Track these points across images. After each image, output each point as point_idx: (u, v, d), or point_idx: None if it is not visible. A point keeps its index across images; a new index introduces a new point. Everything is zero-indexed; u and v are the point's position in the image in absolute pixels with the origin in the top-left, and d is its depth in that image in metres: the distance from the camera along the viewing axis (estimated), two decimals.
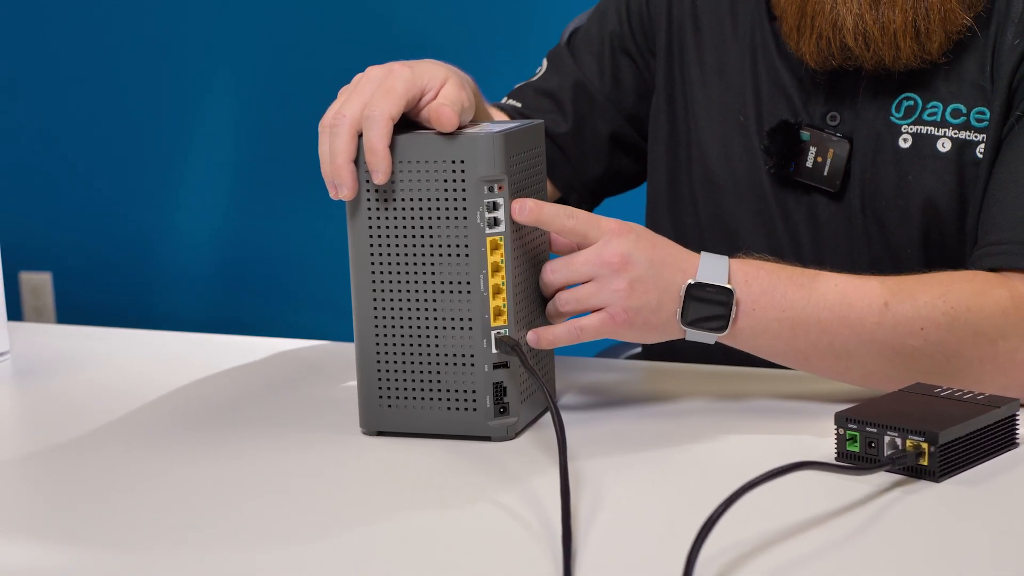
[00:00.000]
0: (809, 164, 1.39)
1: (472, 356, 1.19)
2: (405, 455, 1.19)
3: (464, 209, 1.18)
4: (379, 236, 1.20)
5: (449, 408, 1.21)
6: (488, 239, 1.18)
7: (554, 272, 1.22)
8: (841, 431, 1.11)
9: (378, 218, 1.20)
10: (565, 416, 1.25)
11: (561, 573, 0.93)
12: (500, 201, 1.18)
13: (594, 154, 1.54)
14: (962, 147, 1.34)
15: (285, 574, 0.97)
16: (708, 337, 1.22)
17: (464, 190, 1.18)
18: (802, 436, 1.20)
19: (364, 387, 1.23)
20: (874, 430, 1.10)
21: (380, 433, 1.23)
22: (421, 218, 1.19)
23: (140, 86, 3.50)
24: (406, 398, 1.22)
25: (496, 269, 1.19)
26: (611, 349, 1.75)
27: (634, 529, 1.03)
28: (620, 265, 1.19)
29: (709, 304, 1.21)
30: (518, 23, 3.09)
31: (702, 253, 1.23)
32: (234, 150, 3.45)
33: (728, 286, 1.21)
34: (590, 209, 1.56)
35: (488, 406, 1.20)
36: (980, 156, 1.34)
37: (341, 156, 1.17)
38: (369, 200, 1.20)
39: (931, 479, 1.08)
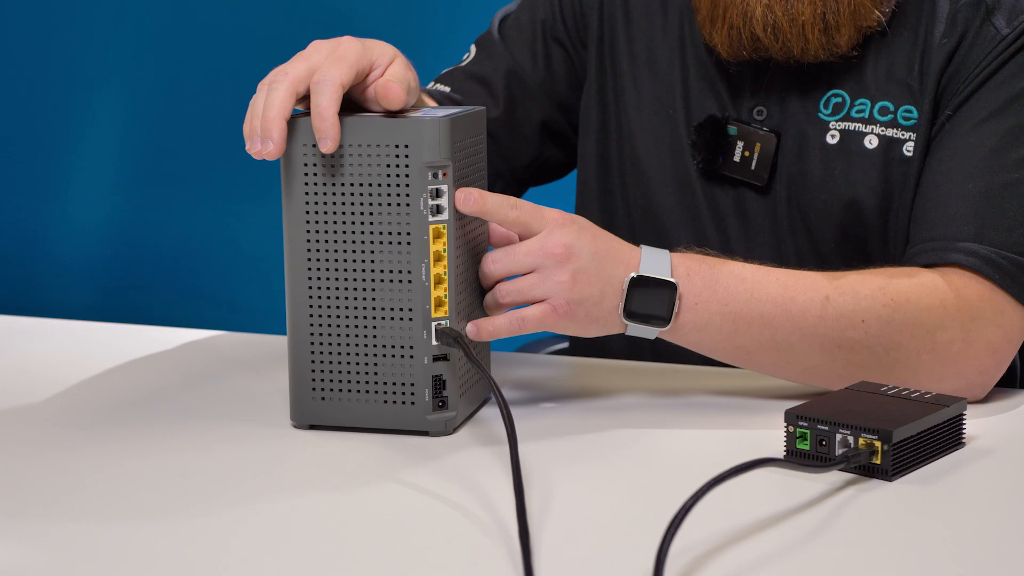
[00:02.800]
0: (737, 158, 1.39)
1: (411, 348, 1.16)
2: (339, 449, 1.15)
3: (407, 195, 1.14)
4: (316, 222, 1.16)
5: (386, 401, 1.17)
6: (431, 227, 1.14)
7: (495, 263, 1.19)
8: (791, 429, 1.09)
9: (315, 203, 1.15)
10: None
11: (521, 572, 0.90)
12: (444, 188, 1.14)
13: (524, 142, 1.51)
14: (889, 144, 1.34)
15: (212, 572, 0.93)
16: (649, 332, 1.20)
17: (407, 176, 1.14)
18: (746, 432, 1.18)
19: (296, 378, 1.18)
20: (825, 428, 1.08)
21: (312, 427, 1.19)
22: (361, 203, 1.15)
23: (26, 75, 3.40)
24: (341, 390, 1.17)
25: (438, 258, 1.15)
26: (532, 344, 1.72)
27: (589, 525, 1.00)
28: (563, 256, 1.17)
29: (652, 298, 1.19)
30: (436, 9, 3.05)
31: (643, 247, 1.21)
32: (122, 140, 3.36)
33: (671, 279, 1.19)
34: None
35: (427, 399, 1.16)
36: (907, 154, 1.34)
37: (275, 110, 1.12)
38: (307, 184, 1.15)
39: (883, 478, 1.06)
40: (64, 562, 0.95)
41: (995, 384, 1.25)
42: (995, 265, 1.24)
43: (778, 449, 1.11)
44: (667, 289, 1.19)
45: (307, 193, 1.15)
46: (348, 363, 1.17)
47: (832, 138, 1.36)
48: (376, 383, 1.17)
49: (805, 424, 1.09)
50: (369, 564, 0.94)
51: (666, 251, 1.21)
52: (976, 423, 1.17)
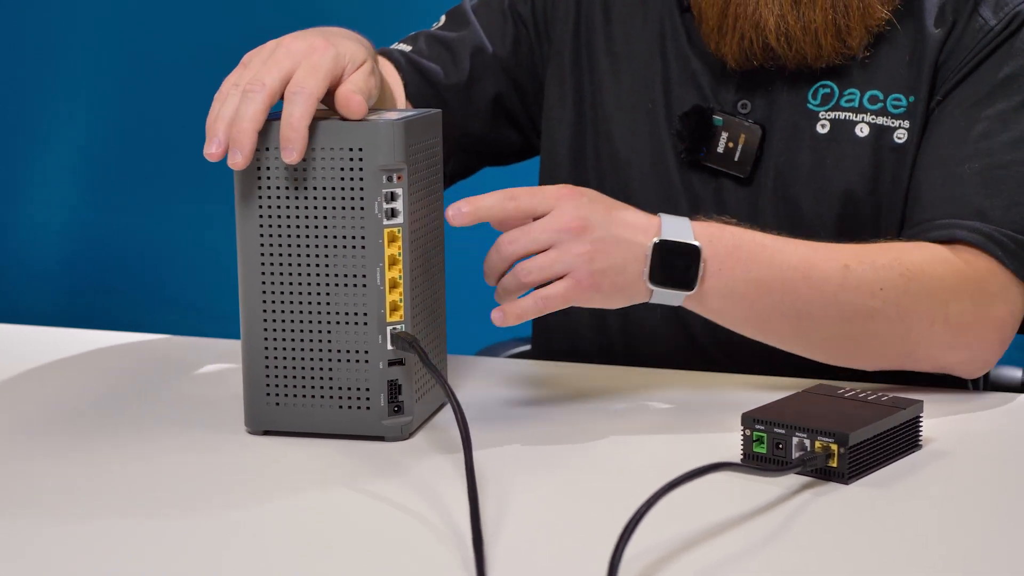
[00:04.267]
0: (720, 149, 1.38)
1: (366, 352, 1.15)
2: (294, 455, 1.14)
3: (362, 199, 1.13)
4: (270, 225, 1.15)
5: (341, 406, 1.16)
6: (385, 231, 1.14)
7: (512, 243, 1.17)
8: (748, 432, 1.09)
9: (269, 206, 1.14)
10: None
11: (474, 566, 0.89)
12: (399, 191, 1.13)
13: (479, 113, 1.50)
14: (880, 132, 1.35)
15: None
16: (676, 297, 1.20)
17: (362, 179, 1.13)
18: (703, 435, 1.17)
19: (250, 383, 1.17)
20: (782, 431, 1.08)
21: (267, 432, 1.18)
22: (315, 207, 1.14)
23: None
24: (295, 395, 1.16)
25: (393, 262, 1.14)
26: (492, 347, 1.71)
27: (543, 531, 0.99)
28: (580, 229, 1.16)
29: (677, 263, 1.19)
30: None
31: (661, 214, 1.21)
32: (84, 142, 3.34)
33: (695, 243, 1.19)
34: (463, 176, 1.55)
35: (382, 404, 1.15)
36: (899, 141, 1.35)
37: (248, 121, 1.10)
38: (260, 187, 1.14)
39: (840, 480, 1.06)
40: (10, 571, 0.93)
41: (997, 361, 1.28)
42: (998, 243, 1.26)
43: (735, 453, 1.11)
44: (691, 254, 1.19)
45: (261, 196, 1.14)
46: (303, 368, 1.16)
47: (823, 128, 1.36)
48: (331, 388, 1.16)
49: (762, 428, 1.08)
50: (322, 570, 0.93)
51: (686, 218, 1.22)
52: (932, 424, 1.17)
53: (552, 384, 1.34)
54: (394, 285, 1.14)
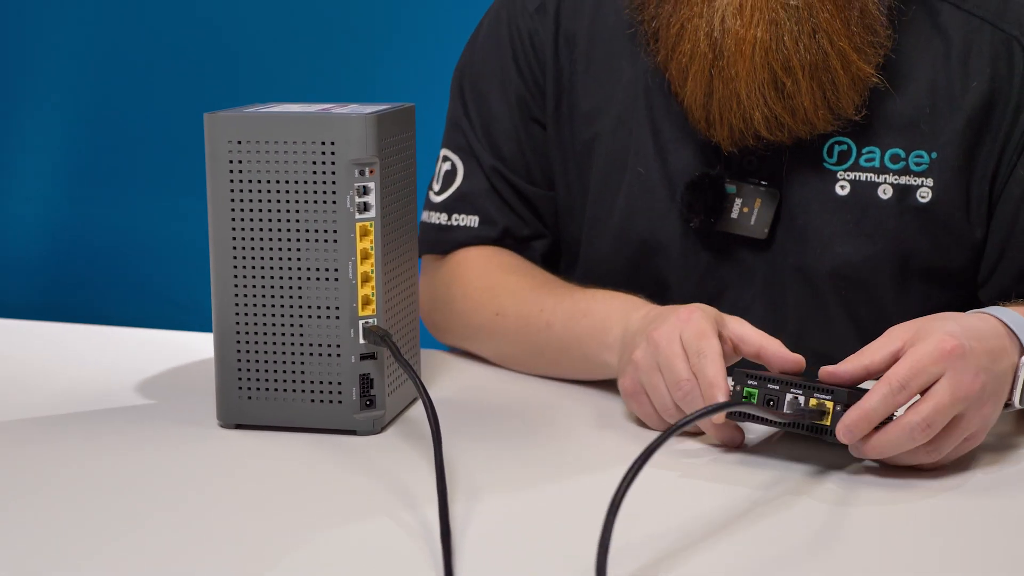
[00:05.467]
0: (735, 215, 1.32)
1: (338, 346, 1.15)
2: (266, 449, 1.14)
3: (333, 193, 1.13)
4: (242, 219, 1.14)
5: (313, 400, 1.16)
6: (357, 224, 1.13)
7: (924, 422, 1.05)
8: (739, 387, 1.08)
9: (241, 200, 1.14)
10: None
11: (441, 571, 0.89)
12: (371, 185, 1.13)
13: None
14: (903, 193, 1.30)
15: (137, 574, 0.91)
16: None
17: (334, 173, 1.13)
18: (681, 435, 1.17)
19: (223, 377, 1.17)
20: (776, 387, 1.07)
21: (239, 426, 1.18)
22: (287, 201, 1.14)
23: None
24: (267, 389, 1.16)
25: (365, 256, 1.14)
26: None
27: (513, 525, 0.99)
28: (979, 391, 1.06)
29: None
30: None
31: (1007, 321, 1.13)
32: (58, 137, 3.33)
33: None
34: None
35: (354, 398, 1.15)
36: (922, 200, 1.30)
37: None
38: (232, 181, 1.14)
39: (830, 439, 1.05)
40: None
41: None
42: None
43: (708, 448, 1.11)
44: None
45: (232, 190, 1.14)
46: (275, 362, 1.16)
47: (842, 189, 1.31)
48: (303, 382, 1.15)
49: (754, 383, 1.08)
50: (291, 563, 0.93)
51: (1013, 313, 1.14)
52: None
53: (525, 379, 1.33)
54: (366, 279, 1.14)
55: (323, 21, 3.03)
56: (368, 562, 0.93)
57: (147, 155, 3.15)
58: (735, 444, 1.13)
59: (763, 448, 1.13)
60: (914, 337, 1.07)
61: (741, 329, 1.13)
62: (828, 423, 1.05)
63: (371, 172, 1.13)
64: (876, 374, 1.07)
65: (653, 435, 1.15)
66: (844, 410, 1.05)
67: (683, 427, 0.97)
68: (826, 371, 1.07)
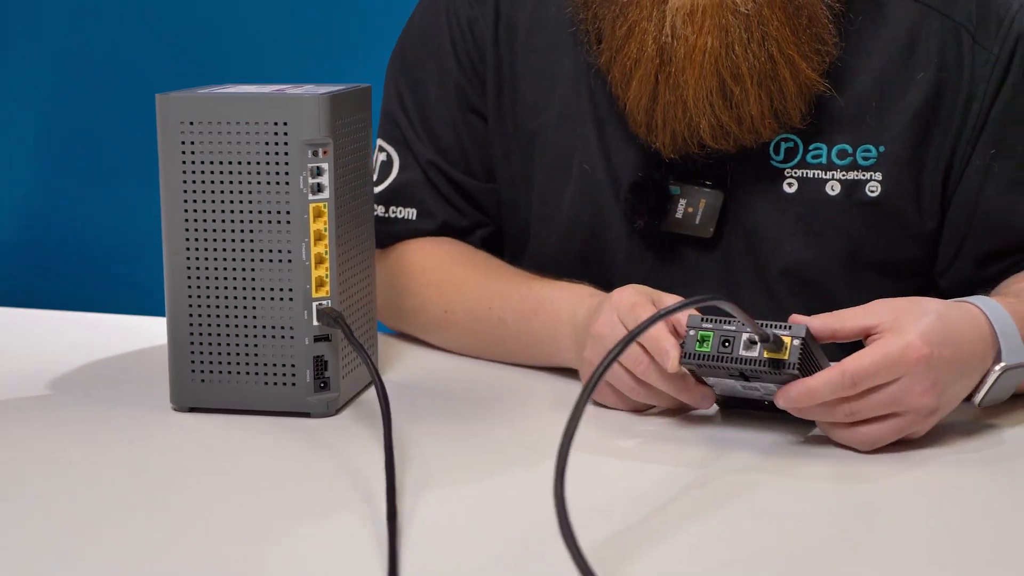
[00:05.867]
0: (679, 215, 1.30)
1: (292, 328, 1.14)
2: (219, 432, 1.13)
3: (286, 174, 1.12)
4: (194, 201, 1.14)
5: (267, 383, 1.15)
6: (311, 205, 1.13)
7: (852, 415, 1.05)
8: (692, 332, 1.07)
9: (193, 182, 1.13)
10: (391, 389, 1.20)
11: (386, 551, 0.88)
12: (324, 166, 1.13)
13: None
14: (851, 188, 1.29)
15: (91, 558, 0.91)
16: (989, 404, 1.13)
17: (287, 153, 1.12)
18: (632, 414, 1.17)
19: (176, 360, 1.16)
20: (732, 328, 1.06)
21: (192, 409, 1.17)
22: (240, 182, 1.13)
23: None
24: (221, 372, 1.15)
25: (319, 237, 1.13)
26: None
27: (462, 509, 0.98)
28: (933, 400, 1.06)
29: (1010, 384, 1.12)
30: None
31: (975, 302, 1.12)
32: (27, 125, 3.31)
33: None
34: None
35: (308, 381, 1.14)
36: (871, 195, 1.29)
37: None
38: (184, 162, 1.13)
39: (787, 371, 1.04)
40: None
41: None
42: None
43: (667, 421, 1.11)
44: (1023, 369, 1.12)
45: (184, 172, 1.13)
46: (228, 344, 1.15)
47: (789, 187, 1.30)
48: (257, 364, 1.15)
49: (709, 325, 1.07)
50: (238, 545, 0.92)
51: (1006, 314, 1.12)
52: None
53: (485, 364, 1.33)
54: (320, 260, 1.13)
55: (283, 3, 3.02)
56: (314, 545, 0.92)
57: (112, 142, 3.13)
58: (706, 405, 1.12)
59: (718, 423, 1.13)
60: (892, 324, 1.06)
61: (671, 301, 1.12)
62: (787, 356, 1.04)
63: (324, 153, 1.13)
64: (841, 340, 1.06)
65: (614, 417, 1.15)
66: (802, 345, 1.04)
67: (626, 345, 0.92)
68: (795, 318, 1.07)
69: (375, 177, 1.41)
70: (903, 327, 1.05)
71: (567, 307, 1.23)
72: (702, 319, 1.07)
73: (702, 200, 1.30)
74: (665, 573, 0.87)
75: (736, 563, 0.89)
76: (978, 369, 1.10)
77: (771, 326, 1.05)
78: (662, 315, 0.96)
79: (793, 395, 1.04)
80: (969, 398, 1.11)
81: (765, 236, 1.31)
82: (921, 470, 1.05)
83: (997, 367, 1.10)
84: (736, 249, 1.32)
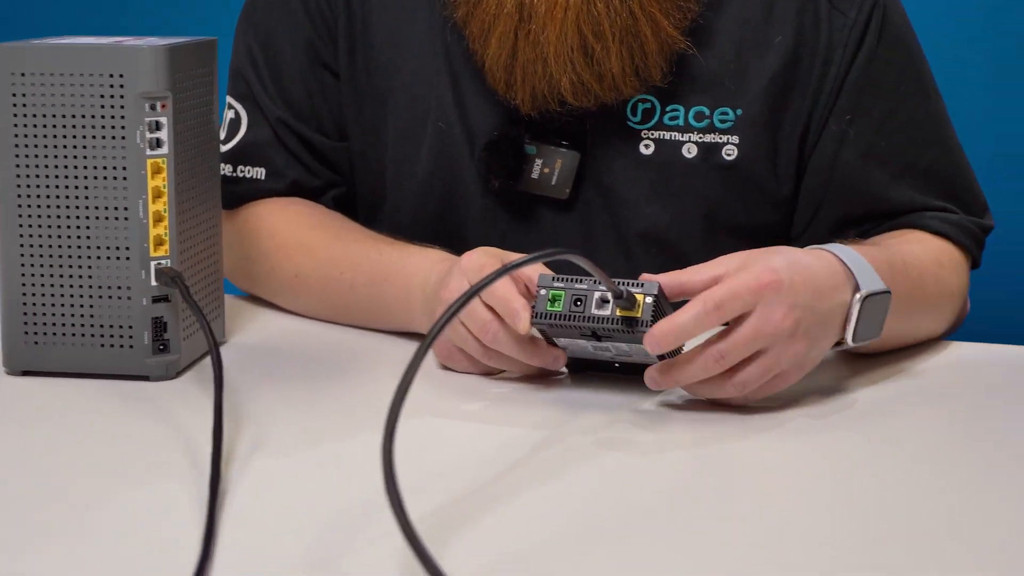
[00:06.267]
0: (535, 175, 1.29)
1: (129, 288, 1.10)
2: (52, 396, 1.09)
3: (122, 128, 1.08)
4: (26, 155, 1.09)
5: (103, 345, 1.11)
6: (149, 161, 1.09)
7: (722, 359, 1.03)
8: (544, 291, 1.04)
9: (25, 135, 1.09)
10: (234, 355, 1.17)
11: (205, 518, 0.85)
12: (163, 120, 1.09)
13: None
14: (708, 151, 1.28)
15: None
16: (865, 344, 1.11)
17: (122, 107, 1.08)
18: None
19: (7, 322, 1.12)
20: (584, 287, 1.03)
21: (26, 373, 1.13)
22: (74, 136, 1.09)
23: None
24: (55, 334, 1.11)
25: (158, 194, 1.10)
26: None
27: (293, 473, 0.95)
28: (792, 326, 1.03)
29: (877, 313, 1.11)
30: None
31: (840, 255, 1.10)
32: None
33: (887, 289, 1.11)
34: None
35: (146, 343, 1.11)
36: (728, 158, 1.27)
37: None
38: (15, 115, 1.09)
39: (642, 329, 1.02)
40: None
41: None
42: (963, 229, 1.28)
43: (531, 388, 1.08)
44: (886, 299, 1.11)
45: (16, 125, 1.09)
46: (62, 305, 1.11)
47: (646, 148, 1.28)
48: (93, 326, 1.11)
49: (560, 284, 1.04)
50: (60, 509, 0.88)
51: (856, 252, 1.12)
52: None
53: (333, 327, 1.29)
54: (159, 219, 1.10)
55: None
56: (135, 511, 0.89)
57: None
58: (558, 366, 1.10)
59: (568, 385, 1.11)
60: (739, 266, 1.05)
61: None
62: (640, 314, 1.02)
63: (163, 107, 1.09)
64: (691, 293, 1.04)
65: (461, 380, 1.13)
66: (655, 302, 1.02)
67: (468, 300, 0.88)
68: (645, 276, 1.05)
69: (223, 136, 1.37)
70: (752, 263, 1.05)
71: (419, 273, 1.20)
72: (553, 278, 1.05)
73: (558, 160, 1.28)
74: (501, 539, 0.85)
75: (577, 527, 0.87)
76: (838, 301, 1.08)
77: (623, 283, 1.03)
78: (508, 269, 0.93)
79: (658, 334, 1.02)
80: (840, 345, 1.09)
81: (622, 198, 1.29)
82: (774, 432, 1.03)
83: (857, 295, 1.08)
84: (594, 211, 1.30)
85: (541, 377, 1.12)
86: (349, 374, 1.16)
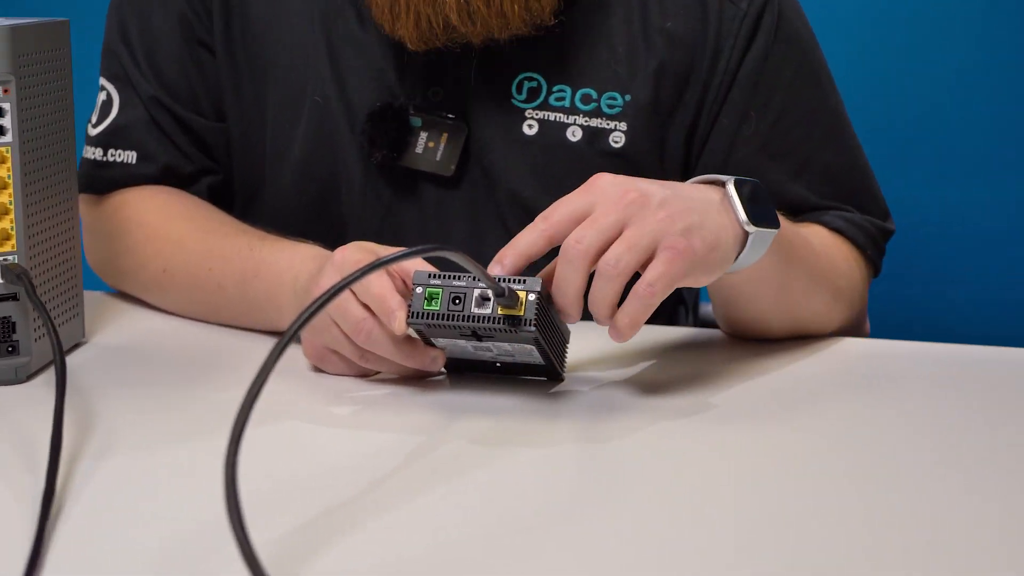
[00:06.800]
0: (419, 149, 1.23)
1: None
2: None
3: None
4: None
5: None
6: None
7: (579, 242, 0.97)
8: (420, 289, 0.97)
9: None
10: (93, 356, 1.10)
11: (35, 529, 0.78)
12: (5, 106, 1.01)
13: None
14: (593, 136, 1.23)
15: None
16: (767, 238, 1.03)
17: None
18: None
19: None
20: (462, 284, 0.97)
21: None
22: None
23: None
24: None
25: (2, 186, 1.02)
26: None
27: (141, 482, 0.88)
28: (640, 197, 0.98)
29: (760, 197, 1.03)
30: None
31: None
32: None
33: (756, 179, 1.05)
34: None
35: None
36: (615, 145, 1.23)
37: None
38: None
39: (525, 329, 0.96)
40: None
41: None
42: (859, 227, 1.25)
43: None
44: (764, 190, 1.04)
45: None
46: None
47: (530, 128, 1.23)
48: None
49: (437, 282, 0.97)
50: None
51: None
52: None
53: (204, 326, 1.22)
54: (3, 212, 1.02)
55: None
56: None
57: None
58: (436, 367, 1.03)
59: (447, 388, 1.05)
60: None
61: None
62: (522, 312, 0.96)
63: (5, 91, 1.01)
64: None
65: (336, 385, 1.06)
66: (538, 300, 0.96)
67: (336, 294, 0.81)
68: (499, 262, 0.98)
69: (94, 119, 1.30)
70: None
71: (288, 269, 1.13)
72: (429, 275, 0.98)
73: (444, 134, 1.22)
74: (370, 557, 0.78)
75: (456, 541, 0.80)
76: (703, 194, 1.01)
77: (505, 280, 0.97)
78: (381, 263, 0.86)
79: (508, 262, 0.97)
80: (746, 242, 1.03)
81: (503, 178, 1.24)
82: (658, 426, 0.98)
83: (729, 186, 1.02)
84: (478, 190, 1.25)
85: (418, 379, 1.06)
86: (214, 377, 1.09)
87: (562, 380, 1.05)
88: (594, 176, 1.00)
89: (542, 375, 1.05)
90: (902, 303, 1.91)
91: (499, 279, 0.97)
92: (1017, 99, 1.89)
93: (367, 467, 0.91)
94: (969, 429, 1.01)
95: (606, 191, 0.99)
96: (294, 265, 1.13)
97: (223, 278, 1.18)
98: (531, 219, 1.23)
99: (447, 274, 0.98)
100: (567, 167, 1.23)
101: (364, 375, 1.06)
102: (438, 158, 1.23)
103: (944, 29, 1.88)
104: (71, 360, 1.10)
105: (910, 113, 1.92)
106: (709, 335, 1.22)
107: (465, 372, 1.06)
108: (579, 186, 1.21)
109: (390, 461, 0.92)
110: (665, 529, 0.82)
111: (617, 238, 0.97)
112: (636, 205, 0.98)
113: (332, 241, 1.26)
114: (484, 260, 1.25)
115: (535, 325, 0.96)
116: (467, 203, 1.25)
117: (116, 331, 1.19)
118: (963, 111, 1.90)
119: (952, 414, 1.04)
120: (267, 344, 1.14)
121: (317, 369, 1.08)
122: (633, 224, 0.97)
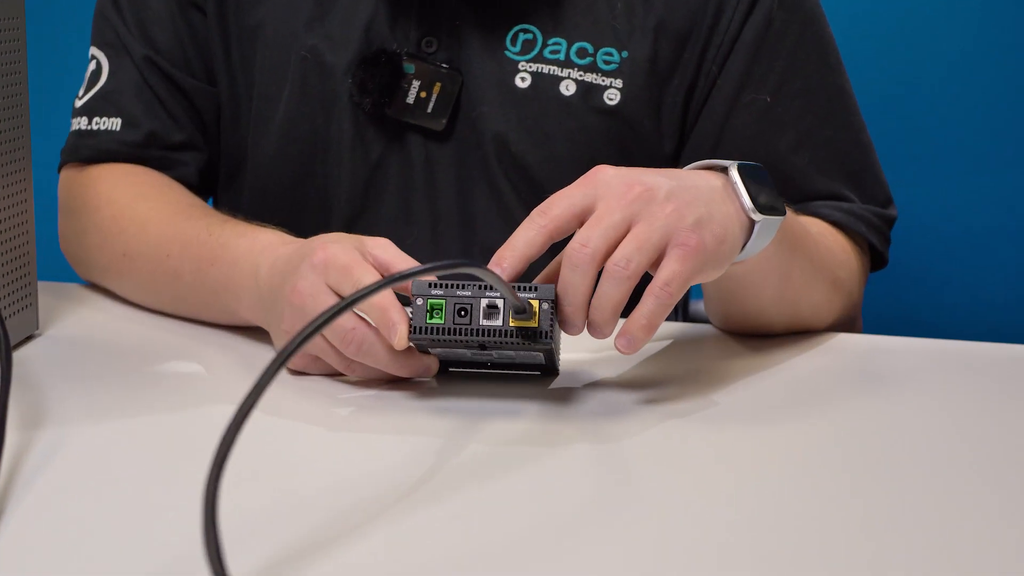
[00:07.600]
0: (411, 100, 1.19)
1: None
2: None
3: None
4: None
5: None
6: None
7: (586, 245, 0.90)
8: (421, 301, 0.90)
9: None
10: (48, 350, 1.04)
11: None
12: None
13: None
14: (587, 91, 1.18)
15: None
16: (773, 226, 0.97)
17: None
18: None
19: None
20: (467, 294, 0.89)
21: None
22: None
23: None
24: None
25: None
26: None
27: (86, 499, 0.81)
28: (645, 191, 0.91)
29: (765, 183, 0.97)
30: None
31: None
32: None
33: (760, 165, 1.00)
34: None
35: None
36: (610, 103, 1.18)
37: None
38: None
39: (541, 341, 0.89)
40: None
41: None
42: (859, 217, 1.20)
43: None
44: (767, 175, 0.98)
45: None
46: None
47: (523, 81, 1.19)
48: None
49: (440, 293, 0.89)
50: None
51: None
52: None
53: (163, 316, 1.15)
54: None
55: None
56: None
57: None
58: (431, 374, 0.96)
59: (440, 389, 0.98)
60: None
61: (385, 254, 0.95)
62: (536, 324, 0.89)
63: None
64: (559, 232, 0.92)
65: (331, 386, 0.98)
66: (551, 308, 0.89)
67: (329, 322, 0.73)
68: (497, 263, 0.91)
69: (81, 92, 1.26)
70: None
71: (248, 256, 1.05)
72: (430, 284, 0.90)
73: (437, 84, 1.18)
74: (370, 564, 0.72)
75: (464, 541, 0.74)
76: (704, 180, 0.95)
77: (519, 288, 0.90)
78: (389, 282, 0.77)
79: (508, 265, 0.90)
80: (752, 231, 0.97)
81: (493, 133, 1.19)
82: (663, 425, 0.92)
83: (732, 171, 0.96)
84: (468, 144, 1.20)
85: (405, 381, 0.98)
86: (175, 375, 1.02)
87: (557, 375, 0.99)
88: (594, 169, 0.93)
89: (536, 371, 0.99)
90: (898, 300, 1.87)
91: (514, 287, 0.89)
92: (1012, 96, 1.85)
93: (375, 472, 0.84)
94: (968, 425, 0.96)
95: (609, 185, 0.92)
96: (255, 251, 1.05)
97: (180, 264, 1.11)
98: (519, 173, 1.20)
99: (449, 283, 0.90)
100: (559, 122, 1.19)
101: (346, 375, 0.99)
102: (429, 110, 1.19)
103: (939, 27, 1.85)
104: (21, 353, 1.03)
105: (905, 110, 1.87)
106: (703, 331, 1.16)
107: (454, 370, 1.00)
108: (569, 142, 1.18)
109: (394, 465, 0.85)
110: (688, 530, 0.76)
111: (623, 236, 0.91)
112: (642, 200, 0.91)
113: (313, 209, 1.20)
114: (472, 217, 1.19)
115: (550, 337, 0.89)
116: (456, 158, 1.20)
117: (75, 323, 1.12)
118: (958, 108, 1.86)
119: (950, 410, 1.00)
120: (233, 339, 1.08)
121: (291, 371, 1.00)
122: (641, 221, 0.91)
